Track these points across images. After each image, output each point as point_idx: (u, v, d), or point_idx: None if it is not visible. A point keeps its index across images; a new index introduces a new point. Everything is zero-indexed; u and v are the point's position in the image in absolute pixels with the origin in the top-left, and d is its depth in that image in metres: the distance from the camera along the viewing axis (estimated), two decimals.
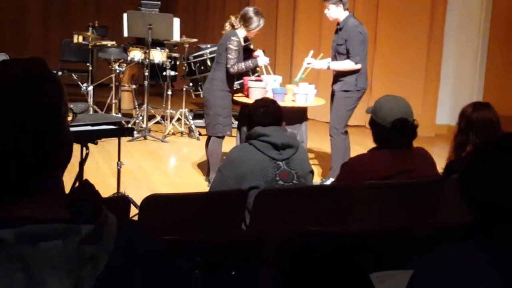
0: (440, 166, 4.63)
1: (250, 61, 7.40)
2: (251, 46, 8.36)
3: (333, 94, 7.66)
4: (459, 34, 10.88)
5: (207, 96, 7.39)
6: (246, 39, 7.75)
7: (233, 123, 7.56)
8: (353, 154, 7.15)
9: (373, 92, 10.83)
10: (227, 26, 7.34)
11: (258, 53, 7.70)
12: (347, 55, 7.42)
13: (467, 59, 10.82)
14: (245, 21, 7.23)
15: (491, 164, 1.89)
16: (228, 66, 7.13)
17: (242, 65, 7.22)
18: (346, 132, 7.62)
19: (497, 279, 1.79)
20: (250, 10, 7.31)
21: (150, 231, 1.60)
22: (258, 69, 8.16)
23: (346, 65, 7.43)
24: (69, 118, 3.02)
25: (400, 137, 4.28)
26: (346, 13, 7.50)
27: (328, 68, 7.58)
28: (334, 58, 7.59)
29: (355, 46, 7.37)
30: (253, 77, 7.81)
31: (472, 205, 1.92)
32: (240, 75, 7.51)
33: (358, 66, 7.39)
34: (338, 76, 7.57)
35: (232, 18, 7.33)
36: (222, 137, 7.39)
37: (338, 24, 7.56)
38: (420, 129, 4.44)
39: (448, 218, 3.86)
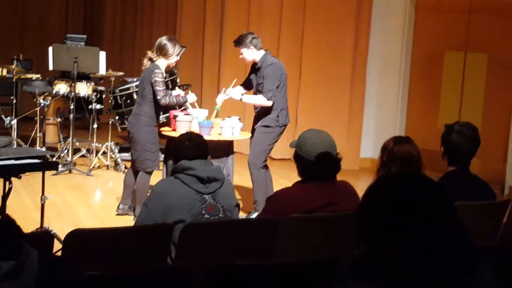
0: None
1: (181, 97, 7.39)
2: (178, 80, 8.35)
3: (253, 130, 7.68)
4: (381, 71, 11.09)
5: (133, 132, 7.28)
6: (171, 73, 7.74)
7: (159, 156, 7.52)
8: (278, 187, 7.15)
9: (298, 126, 10.94)
10: (145, 62, 7.30)
11: (179, 91, 7.73)
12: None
13: (389, 95, 11.02)
14: (161, 50, 7.20)
15: (376, 204, 1.98)
16: (159, 97, 7.04)
17: (174, 99, 7.19)
18: (265, 166, 7.65)
19: None
20: (163, 39, 7.28)
21: (74, 266, 1.59)
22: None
23: (259, 100, 7.45)
24: None
25: (324, 171, 4.32)
26: (262, 52, 7.51)
27: (241, 100, 7.61)
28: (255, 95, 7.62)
29: (268, 82, 7.37)
30: (179, 111, 7.79)
31: (363, 239, 2.00)
32: (167, 108, 7.48)
33: (269, 103, 7.38)
34: (259, 111, 7.59)
35: (149, 52, 7.29)
36: (151, 172, 7.34)
37: (255, 64, 7.58)
38: (344, 162, 4.51)
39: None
